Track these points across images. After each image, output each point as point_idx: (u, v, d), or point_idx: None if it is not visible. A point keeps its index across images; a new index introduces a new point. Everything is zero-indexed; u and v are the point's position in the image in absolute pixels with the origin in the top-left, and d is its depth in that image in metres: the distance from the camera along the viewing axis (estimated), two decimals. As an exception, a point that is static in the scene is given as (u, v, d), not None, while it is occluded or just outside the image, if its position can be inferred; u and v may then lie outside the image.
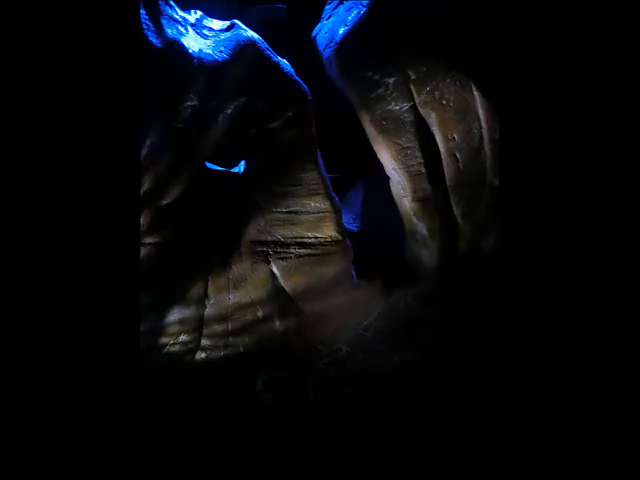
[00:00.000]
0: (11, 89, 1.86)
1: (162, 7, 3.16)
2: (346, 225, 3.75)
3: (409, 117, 3.42)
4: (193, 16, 3.43)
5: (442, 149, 3.44)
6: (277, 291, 3.43)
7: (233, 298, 3.37)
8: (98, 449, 1.91)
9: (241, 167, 3.90)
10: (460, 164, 3.45)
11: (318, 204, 3.47)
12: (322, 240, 3.49)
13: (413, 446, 2.91)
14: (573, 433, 1.98)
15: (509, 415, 2.06)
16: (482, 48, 3.18)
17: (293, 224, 3.45)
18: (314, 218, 3.47)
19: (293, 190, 3.42)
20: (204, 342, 3.33)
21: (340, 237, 3.53)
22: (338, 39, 3.37)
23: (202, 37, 3.32)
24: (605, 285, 1.98)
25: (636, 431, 1.91)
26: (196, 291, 3.33)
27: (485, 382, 2.97)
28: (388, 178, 3.73)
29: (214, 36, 3.35)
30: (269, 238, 3.44)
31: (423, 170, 3.49)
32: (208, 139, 3.23)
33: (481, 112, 3.36)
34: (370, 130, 3.55)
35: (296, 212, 3.45)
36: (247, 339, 3.38)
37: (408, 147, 3.47)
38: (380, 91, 3.37)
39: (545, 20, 2.05)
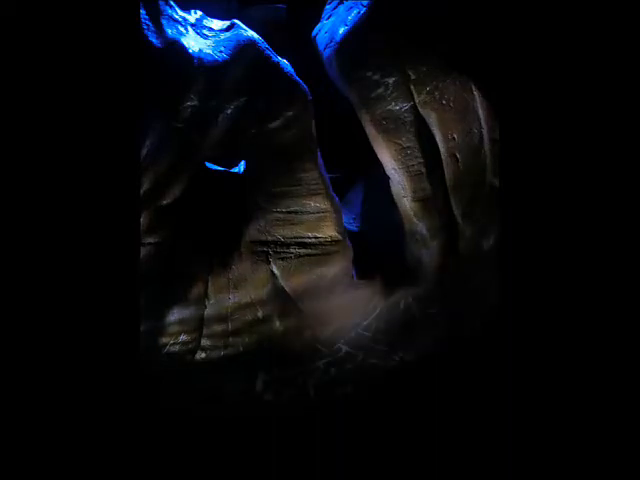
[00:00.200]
0: (11, 89, 1.86)
1: (162, 7, 3.16)
2: (346, 225, 3.75)
3: (409, 117, 3.41)
4: (193, 16, 3.43)
5: (442, 149, 3.44)
6: (277, 291, 3.42)
7: (233, 298, 3.37)
8: (98, 449, 1.91)
9: (241, 167, 3.90)
10: (460, 164, 3.45)
11: (318, 204, 3.46)
12: (322, 240, 3.49)
13: (413, 446, 2.91)
14: (573, 433, 1.98)
15: (509, 415, 2.06)
16: (482, 48, 3.18)
17: (293, 224, 3.45)
18: (314, 218, 3.47)
19: (293, 190, 3.42)
20: (204, 342, 3.32)
21: (340, 237, 3.53)
22: (338, 39, 3.37)
23: (202, 37, 3.32)
24: (605, 285, 1.98)
25: (636, 431, 1.91)
26: (196, 291, 3.32)
27: (485, 382, 2.97)
28: (388, 178, 3.73)
29: (214, 36, 3.35)
30: (269, 238, 3.44)
31: (423, 170, 3.49)
32: (208, 139, 3.23)
33: (481, 112, 3.36)
34: (370, 130, 3.55)
35: (296, 212, 3.45)
36: (247, 339, 3.38)
37: (408, 147, 3.47)
38: (380, 91, 3.36)
39: (545, 20, 2.05)
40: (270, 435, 2.94)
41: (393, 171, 3.61)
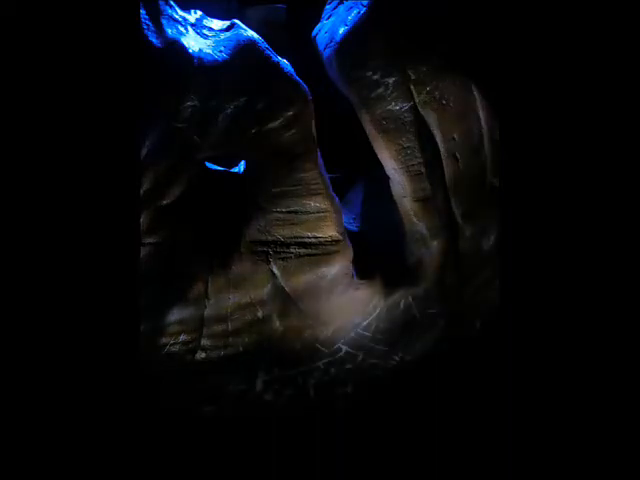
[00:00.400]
0: (11, 89, 1.86)
1: (162, 7, 3.16)
2: (346, 225, 3.75)
3: (409, 117, 3.41)
4: (193, 16, 3.43)
5: (442, 149, 3.44)
6: (277, 291, 3.42)
7: (233, 298, 3.37)
8: (98, 449, 1.91)
9: (241, 167, 3.89)
10: (460, 164, 3.45)
11: (318, 204, 3.46)
12: (322, 240, 3.48)
13: (413, 446, 2.91)
14: (573, 433, 1.98)
15: (509, 415, 2.06)
16: (482, 48, 3.18)
17: (293, 224, 3.45)
18: (314, 218, 3.47)
19: (293, 190, 3.42)
20: (204, 342, 3.32)
21: (340, 237, 3.53)
22: (338, 39, 3.37)
23: (202, 37, 3.32)
24: (606, 284, 1.98)
25: (636, 431, 1.91)
26: (196, 291, 3.32)
27: (485, 382, 2.97)
28: (388, 178, 3.73)
29: (214, 36, 3.35)
30: (269, 238, 3.44)
31: (423, 170, 3.49)
32: (208, 139, 3.23)
33: (481, 112, 3.36)
34: (370, 130, 3.55)
35: (296, 212, 3.45)
36: (247, 339, 3.38)
37: (408, 147, 3.47)
38: (380, 91, 3.36)
39: (545, 20, 2.05)
40: (270, 435, 2.94)
41: (393, 171, 3.61)
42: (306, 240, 3.47)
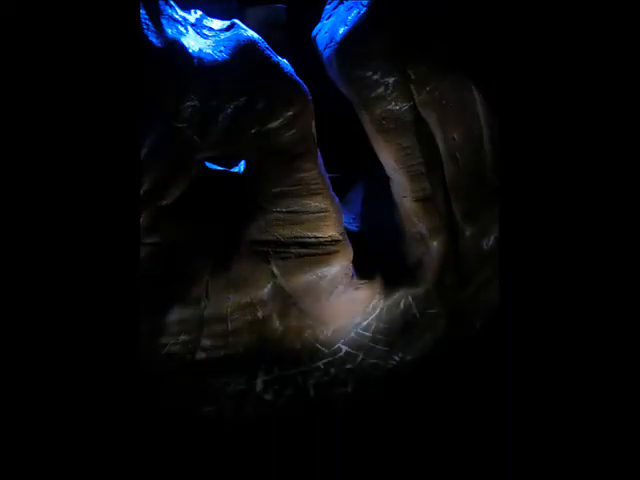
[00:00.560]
0: (11, 89, 1.86)
1: (162, 7, 3.16)
2: (346, 225, 3.75)
3: (409, 117, 3.41)
4: (193, 16, 3.43)
5: (442, 149, 3.44)
6: (277, 291, 3.42)
7: (233, 298, 3.37)
8: (98, 449, 1.91)
9: (241, 167, 3.89)
10: (460, 164, 3.45)
11: (318, 204, 3.46)
12: (322, 240, 3.48)
13: (413, 446, 2.91)
14: (573, 433, 1.98)
15: (509, 415, 2.06)
16: (482, 48, 3.18)
17: (293, 224, 3.45)
18: (314, 218, 3.47)
19: (293, 190, 3.42)
20: (204, 342, 3.32)
21: (340, 237, 3.53)
22: (338, 39, 3.37)
23: (202, 37, 3.32)
24: (606, 284, 1.98)
25: (636, 431, 1.91)
26: (196, 291, 3.32)
27: (485, 382, 2.97)
28: (388, 178, 3.73)
29: (214, 36, 3.35)
30: (269, 238, 3.44)
31: (423, 170, 3.49)
32: (208, 139, 3.23)
33: (481, 112, 3.35)
34: (370, 130, 3.55)
35: (296, 212, 3.45)
36: (247, 339, 3.38)
37: (408, 147, 3.47)
38: (380, 91, 3.36)
39: (545, 20, 2.05)
40: (270, 435, 2.94)
41: (393, 171, 3.61)
42: (306, 240, 3.47)
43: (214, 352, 3.33)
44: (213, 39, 3.32)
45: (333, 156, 3.72)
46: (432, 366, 3.32)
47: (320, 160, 3.49)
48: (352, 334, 3.49)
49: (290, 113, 3.26)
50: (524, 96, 2.07)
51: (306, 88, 3.32)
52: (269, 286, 3.41)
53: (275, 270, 3.43)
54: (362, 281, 3.66)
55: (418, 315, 3.53)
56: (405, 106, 3.39)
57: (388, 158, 3.57)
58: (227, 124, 3.21)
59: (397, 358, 3.38)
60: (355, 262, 3.65)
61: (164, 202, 3.24)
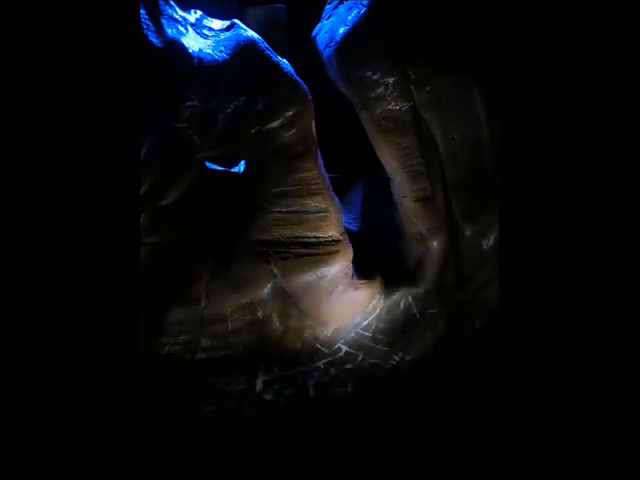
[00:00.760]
0: (11, 89, 1.86)
1: (162, 7, 3.16)
2: (346, 225, 3.75)
3: (409, 117, 3.41)
4: (193, 16, 3.43)
5: (442, 149, 3.44)
6: (277, 291, 3.42)
7: (233, 298, 3.37)
8: (98, 449, 1.91)
9: (241, 167, 3.90)
10: (460, 164, 3.45)
11: (318, 204, 3.46)
12: (322, 240, 3.48)
13: (413, 446, 2.91)
14: (573, 433, 1.98)
15: (509, 415, 2.06)
16: (482, 48, 3.18)
17: (293, 224, 3.45)
18: (314, 218, 3.47)
19: (293, 190, 3.42)
20: (204, 342, 3.32)
21: (340, 237, 3.53)
22: (338, 39, 3.37)
23: (202, 37, 3.32)
24: (605, 284, 1.98)
25: (636, 431, 1.91)
26: (196, 291, 3.32)
27: (485, 382, 2.97)
28: (388, 178, 3.73)
29: (214, 36, 3.35)
30: (269, 238, 3.44)
31: (423, 170, 3.49)
32: (208, 139, 3.23)
33: (481, 112, 3.35)
34: (370, 130, 3.55)
35: (296, 212, 3.45)
36: (247, 339, 3.38)
37: (408, 147, 3.47)
38: (380, 91, 3.36)
39: (545, 20, 2.05)
40: (270, 435, 2.94)
41: (393, 171, 3.61)
42: (306, 240, 3.47)
43: (214, 352, 3.33)
44: (213, 39, 3.32)
45: (333, 156, 3.72)
46: (432, 366, 3.31)
47: (320, 160, 3.49)
48: (352, 334, 3.49)
49: (290, 113, 3.26)
50: (524, 96, 2.07)
51: (306, 88, 3.32)
52: (269, 286, 3.41)
53: (275, 270, 3.43)
54: (362, 281, 3.66)
55: (418, 315, 3.54)
56: (405, 106, 3.39)
57: (388, 158, 3.57)
58: (227, 124, 3.21)
59: (397, 358, 3.38)
60: (355, 262, 3.65)
61: (164, 202, 3.24)
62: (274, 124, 3.27)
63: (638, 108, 1.96)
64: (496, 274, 3.25)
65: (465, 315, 3.52)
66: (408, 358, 3.38)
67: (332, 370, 3.33)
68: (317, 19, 3.86)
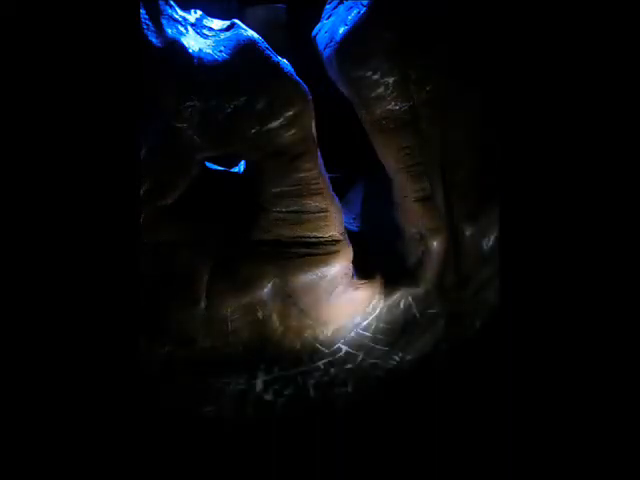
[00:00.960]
0: (11, 89, 1.86)
1: (162, 7, 3.16)
2: (346, 225, 3.75)
3: (409, 117, 3.41)
4: (193, 16, 3.43)
5: (442, 149, 3.44)
6: (277, 291, 3.42)
7: (233, 298, 3.37)
8: (98, 449, 1.91)
9: (241, 167, 3.90)
10: (460, 164, 3.45)
11: (318, 204, 3.46)
12: (322, 240, 3.48)
13: (413, 446, 2.91)
14: (573, 433, 1.98)
15: (509, 415, 2.06)
16: (482, 48, 3.18)
17: (293, 224, 3.45)
18: (314, 218, 3.47)
19: (293, 190, 3.42)
20: (204, 342, 3.32)
21: (340, 237, 3.53)
22: (338, 39, 3.37)
23: (202, 37, 3.32)
24: (605, 284, 1.98)
25: (636, 431, 1.91)
26: (196, 291, 3.32)
27: (485, 382, 2.97)
28: (388, 178, 3.73)
29: (214, 36, 3.35)
30: (269, 238, 3.44)
31: (423, 170, 3.49)
32: (208, 139, 3.23)
33: (481, 112, 3.35)
34: (370, 130, 3.55)
35: (296, 212, 3.45)
36: (247, 339, 3.38)
37: (408, 147, 3.47)
38: (380, 91, 3.36)
39: (545, 20, 2.05)
40: (270, 435, 2.94)
41: (393, 171, 3.61)
42: (306, 240, 3.47)
43: (214, 352, 3.33)
44: (213, 39, 3.32)
45: (333, 156, 3.72)
46: (432, 366, 3.31)
47: (320, 160, 3.49)
48: (352, 334, 3.49)
49: (290, 113, 3.26)
50: (524, 96, 2.07)
51: (306, 88, 3.32)
52: (269, 286, 3.41)
53: (275, 270, 3.43)
54: (362, 281, 3.66)
55: (418, 315, 3.54)
56: (405, 106, 3.39)
57: (388, 158, 3.57)
58: (227, 124, 3.21)
59: (397, 358, 3.38)
60: (355, 262, 3.65)
61: (164, 202, 3.24)
62: (274, 124, 3.27)
63: (638, 108, 1.96)
64: (496, 274, 3.26)
65: (465, 315, 3.53)
66: (408, 358, 3.38)
67: (332, 370, 3.33)
68: (317, 19, 3.85)
